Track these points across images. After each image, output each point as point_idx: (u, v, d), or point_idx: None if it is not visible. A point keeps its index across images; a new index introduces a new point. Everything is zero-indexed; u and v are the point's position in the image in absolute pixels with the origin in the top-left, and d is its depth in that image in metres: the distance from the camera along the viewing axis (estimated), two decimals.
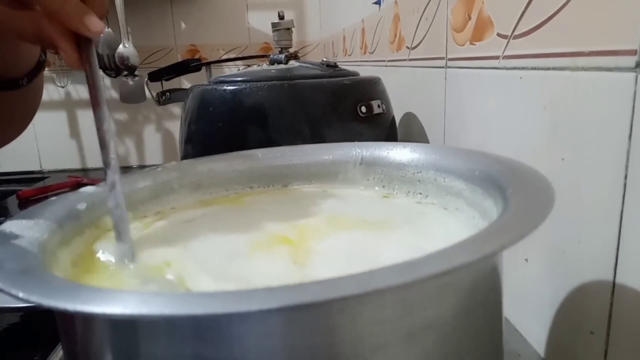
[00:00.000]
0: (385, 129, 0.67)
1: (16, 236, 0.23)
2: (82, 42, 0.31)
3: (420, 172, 0.36)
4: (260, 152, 0.41)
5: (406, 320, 0.18)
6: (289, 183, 0.41)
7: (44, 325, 0.73)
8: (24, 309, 0.73)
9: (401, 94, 0.79)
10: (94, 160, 1.77)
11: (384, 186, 0.38)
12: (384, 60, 0.92)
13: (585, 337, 0.36)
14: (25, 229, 0.24)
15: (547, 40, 0.38)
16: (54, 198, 0.30)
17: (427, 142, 0.70)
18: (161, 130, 1.79)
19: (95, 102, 0.30)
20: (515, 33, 0.43)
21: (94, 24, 0.30)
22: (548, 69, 0.38)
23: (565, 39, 0.36)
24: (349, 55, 1.27)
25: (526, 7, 0.41)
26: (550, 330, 0.40)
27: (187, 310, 0.15)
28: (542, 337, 0.41)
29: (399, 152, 0.38)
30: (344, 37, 1.33)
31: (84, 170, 1.77)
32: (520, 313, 0.44)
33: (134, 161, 1.78)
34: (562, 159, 0.37)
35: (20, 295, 0.16)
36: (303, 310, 0.17)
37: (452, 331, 0.20)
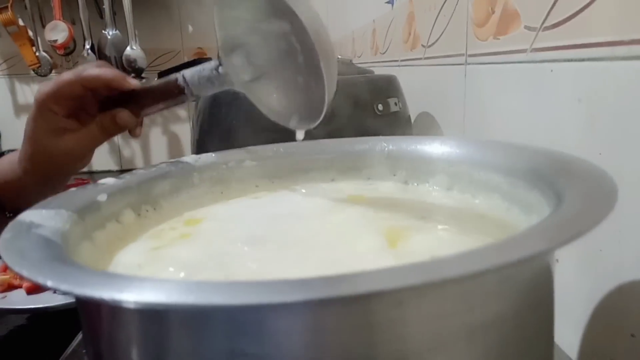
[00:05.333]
0: (402, 127, 0.66)
1: (37, 225, 0.22)
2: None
3: (452, 165, 0.34)
4: (282, 147, 0.39)
5: (467, 316, 0.17)
6: (312, 178, 0.39)
7: (50, 327, 0.71)
8: (31, 310, 0.72)
9: (416, 94, 0.77)
10: (101, 163, 1.76)
11: (416, 183, 0.36)
12: (397, 60, 0.90)
13: (625, 340, 0.34)
14: (46, 218, 0.23)
15: (582, 30, 0.37)
16: (73, 189, 0.28)
17: None
18: (167, 133, 1.78)
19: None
20: (545, 24, 0.41)
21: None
22: (583, 60, 0.37)
23: (603, 29, 0.35)
24: (359, 57, 1.26)
25: None
26: (584, 334, 0.39)
27: (236, 299, 0.13)
28: (575, 341, 0.39)
29: (427, 146, 0.36)
30: (354, 39, 1.31)
31: (90, 173, 1.75)
32: None
33: (139, 164, 1.76)
34: (600, 154, 0.35)
35: (49, 283, 0.15)
36: (358, 302, 0.15)
37: (513, 329, 0.18)
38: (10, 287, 0.79)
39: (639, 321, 0.33)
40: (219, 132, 0.65)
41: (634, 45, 0.32)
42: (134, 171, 0.33)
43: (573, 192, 0.20)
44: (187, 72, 0.38)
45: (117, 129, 0.41)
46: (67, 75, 0.40)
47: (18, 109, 1.72)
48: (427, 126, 0.73)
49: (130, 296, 0.14)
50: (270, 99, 0.37)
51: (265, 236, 0.28)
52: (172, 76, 0.38)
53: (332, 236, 0.29)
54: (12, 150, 0.49)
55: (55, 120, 0.41)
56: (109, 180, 0.30)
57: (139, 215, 0.31)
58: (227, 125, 0.63)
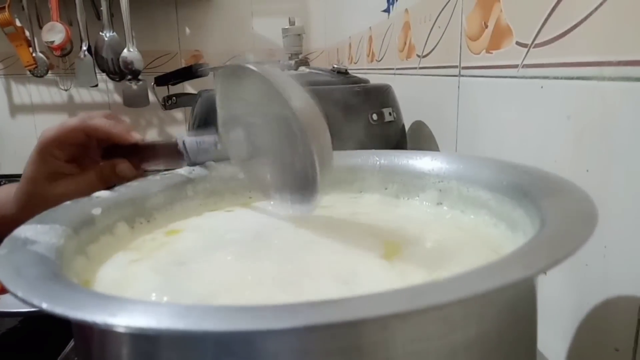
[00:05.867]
0: (396, 137, 0.66)
1: (33, 242, 0.22)
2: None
3: (442, 181, 0.35)
4: None
5: (450, 337, 0.17)
6: None
7: (44, 331, 0.71)
8: (24, 313, 0.72)
9: (410, 102, 0.78)
10: None
11: (407, 198, 0.37)
12: (393, 68, 0.91)
13: (610, 354, 0.35)
14: (40, 234, 0.23)
15: (571, 49, 0.38)
16: (67, 203, 0.29)
17: (438, 150, 0.69)
18: (163, 135, 1.78)
19: None
20: (537, 42, 0.42)
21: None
22: (572, 78, 0.38)
23: (592, 48, 0.35)
24: (355, 63, 1.27)
25: (549, 15, 0.40)
26: (570, 346, 0.39)
27: (226, 326, 0.14)
28: (562, 353, 0.40)
29: (418, 161, 0.37)
30: (350, 45, 1.32)
31: None
32: (538, 329, 0.43)
33: None
34: (587, 170, 0.36)
35: (44, 306, 0.15)
36: (345, 327, 0.16)
37: (495, 348, 0.19)
38: (4, 290, 0.79)
39: (623, 336, 0.33)
40: None
41: (620, 67, 0.33)
42: (128, 183, 0.34)
43: (555, 215, 0.21)
44: (188, 140, 0.39)
45: (116, 178, 0.41)
46: (72, 122, 0.41)
47: (14, 109, 1.72)
48: (421, 135, 0.74)
49: (122, 321, 0.14)
50: (265, 179, 0.36)
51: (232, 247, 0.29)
52: (174, 139, 0.39)
53: (292, 247, 0.30)
54: (10, 167, 0.48)
55: (55, 165, 0.41)
56: (103, 194, 0.31)
57: (132, 228, 0.31)
58: None
